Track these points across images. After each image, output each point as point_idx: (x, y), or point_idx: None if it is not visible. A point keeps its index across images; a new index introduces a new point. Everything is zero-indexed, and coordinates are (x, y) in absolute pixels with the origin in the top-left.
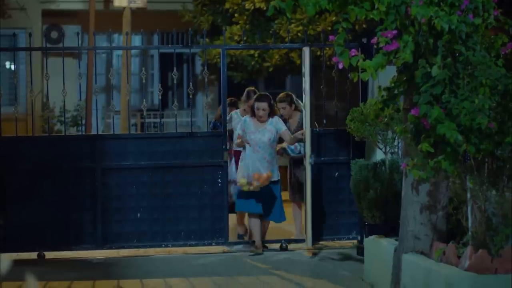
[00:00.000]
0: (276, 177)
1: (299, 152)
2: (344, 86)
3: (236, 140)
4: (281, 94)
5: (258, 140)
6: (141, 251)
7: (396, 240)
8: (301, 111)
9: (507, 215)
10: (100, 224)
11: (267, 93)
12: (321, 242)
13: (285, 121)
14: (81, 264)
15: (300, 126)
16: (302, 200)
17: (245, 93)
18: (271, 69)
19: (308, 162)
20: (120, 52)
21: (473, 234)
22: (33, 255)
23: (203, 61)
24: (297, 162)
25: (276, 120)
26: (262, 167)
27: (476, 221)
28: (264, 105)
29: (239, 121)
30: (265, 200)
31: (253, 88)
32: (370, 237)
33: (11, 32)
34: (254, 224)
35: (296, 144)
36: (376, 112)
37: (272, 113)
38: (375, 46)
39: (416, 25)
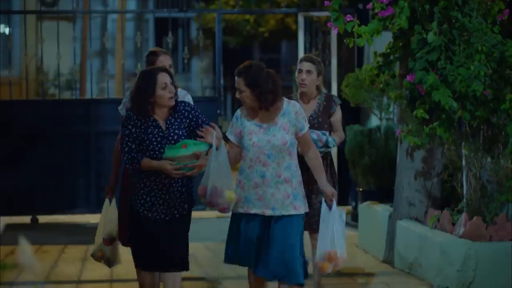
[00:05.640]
0: (302, 208)
1: (326, 145)
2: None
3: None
4: (310, 55)
5: (265, 144)
6: None
7: (391, 206)
8: (321, 93)
9: (502, 183)
10: (94, 188)
11: (251, 62)
12: None
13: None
14: (74, 228)
15: (319, 115)
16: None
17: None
18: (266, 34)
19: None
20: (115, 16)
21: (468, 201)
22: (27, 219)
23: (198, 25)
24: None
25: (297, 109)
26: (276, 193)
27: (471, 188)
28: (238, 82)
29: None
30: (273, 247)
31: (157, 49)
32: (365, 203)
33: None
34: None
35: (319, 133)
36: (371, 78)
37: (274, 92)
38: (370, 12)
39: None
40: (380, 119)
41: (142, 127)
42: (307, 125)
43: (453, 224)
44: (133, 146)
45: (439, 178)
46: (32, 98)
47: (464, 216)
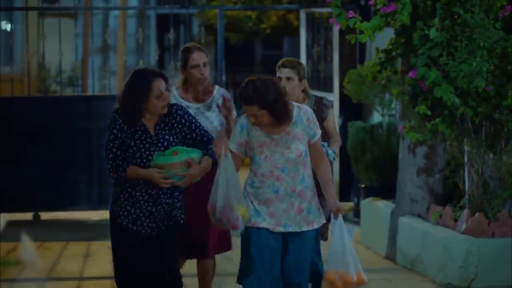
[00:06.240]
0: (316, 223)
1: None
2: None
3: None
4: (289, 59)
5: (279, 157)
6: None
7: (393, 202)
8: (310, 96)
9: (504, 179)
10: (96, 185)
11: (251, 81)
12: None
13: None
14: (76, 225)
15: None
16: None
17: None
18: (268, 31)
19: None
20: (116, 12)
21: (470, 197)
22: (29, 215)
23: (200, 22)
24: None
25: (309, 115)
26: (289, 209)
27: (473, 184)
28: (251, 109)
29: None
30: (290, 267)
31: (191, 45)
32: (367, 200)
33: None
34: None
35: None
36: (373, 74)
37: (285, 101)
38: (372, 8)
39: None
40: (382, 115)
41: (129, 131)
42: (319, 132)
43: (455, 220)
44: (118, 153)
45: (441, 174)
46: (34, 94)
47: (466, 212)
